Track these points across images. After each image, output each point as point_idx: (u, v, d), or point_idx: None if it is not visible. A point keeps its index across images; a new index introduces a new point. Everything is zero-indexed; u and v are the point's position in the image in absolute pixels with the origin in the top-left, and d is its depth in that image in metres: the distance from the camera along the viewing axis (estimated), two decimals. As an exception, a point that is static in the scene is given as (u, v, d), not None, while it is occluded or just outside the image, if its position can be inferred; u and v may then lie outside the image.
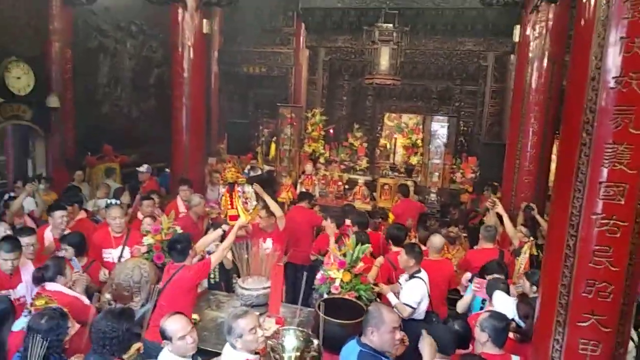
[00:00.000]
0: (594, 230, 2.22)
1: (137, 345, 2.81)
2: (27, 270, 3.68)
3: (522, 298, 3.61)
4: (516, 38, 6.39)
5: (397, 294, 4.05)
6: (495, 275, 3.81)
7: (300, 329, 2.99)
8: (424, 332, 2.69)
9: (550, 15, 5.74)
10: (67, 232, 4.47)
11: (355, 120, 11.00)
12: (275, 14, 11.48)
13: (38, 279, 3.40)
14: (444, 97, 11.01)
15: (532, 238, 4.95)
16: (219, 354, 2.76)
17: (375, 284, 4.04)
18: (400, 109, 11.54)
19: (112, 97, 9.69)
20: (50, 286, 3.36)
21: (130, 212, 5.61)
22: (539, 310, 2.61)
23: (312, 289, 4.09)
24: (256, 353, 2.66)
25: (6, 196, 6.53)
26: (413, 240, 5.40)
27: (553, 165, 5.38)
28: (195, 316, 3.82)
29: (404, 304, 3.91)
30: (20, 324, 2.97)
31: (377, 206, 8.50)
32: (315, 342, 2.83)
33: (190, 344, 2.61)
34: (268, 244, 4.62)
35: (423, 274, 4.03)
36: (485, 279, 3.84)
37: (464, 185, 9.13)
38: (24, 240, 3.77)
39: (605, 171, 2.17)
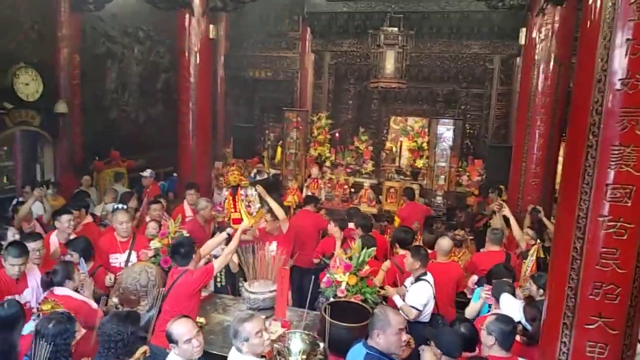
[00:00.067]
0: (600, 233, 2.22)
1: (143, 348, 2.82)
2: (33, 275, 3.70)
3: (529, 301, 3.60)
4: (522, 41, 6.40)
5: (402, 297, 4.05)
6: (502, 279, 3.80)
7: (306, 332, 3.00)
8: (427, 347, 2.68)
9: (556, 18, 5.76)
10: (72, 236, 4.48)
11: (361, 124, 11.02)
12: (280, 18, 11.54)
13: (47, 284, 3.43)
14: (449, 100, 10.98)
15: (538, 241, 4.94)
16: (225, 358, 2.77)
17: (382, 287, 4.04)
18: (405, 112, 11.52)
19: (120, 103, 9.76)
20: (58, 290, 3.39)
21: (137, 216, 5.65)
22: (546, 312, 2.59)
23: (319, 293, 4.10)
24: (262, 356, 2.66)
25: (14, 201, 6.59)
26: (418, 243, 5.38)
27: (559, 168, 5.35)
28: (201, 320, 3.83)
29: (410, 306, 3.91)
30: (28, 327, 3.00)
31: (382, 209, 8.49)
32: (321, 345, 2.84)
33: (196, 347, 2.62)
34: (273, 246, 4.62)
35: (429, 277, 4.02)
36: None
37: (470, 188, 9.09)
38: (31, 245, 3.78)
39: (611, 173, 2.17)
